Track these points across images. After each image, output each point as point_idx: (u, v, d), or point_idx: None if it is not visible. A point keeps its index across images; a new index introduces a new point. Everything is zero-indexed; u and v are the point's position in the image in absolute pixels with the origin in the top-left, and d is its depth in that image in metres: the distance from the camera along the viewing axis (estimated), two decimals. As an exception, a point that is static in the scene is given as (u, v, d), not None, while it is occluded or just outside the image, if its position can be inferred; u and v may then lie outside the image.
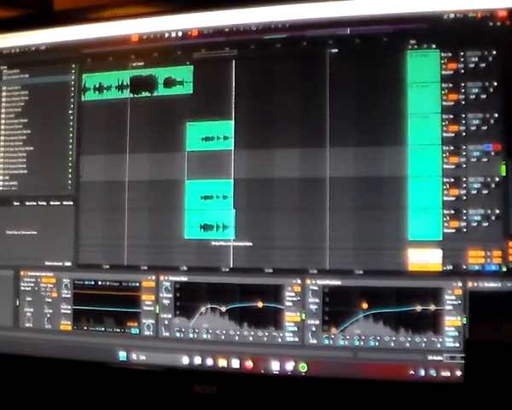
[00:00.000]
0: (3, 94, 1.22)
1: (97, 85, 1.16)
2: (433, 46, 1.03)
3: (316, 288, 1.05)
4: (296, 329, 1.06)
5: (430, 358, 1.02)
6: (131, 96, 1.15)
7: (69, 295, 1.16)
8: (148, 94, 1.14)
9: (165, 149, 1.12)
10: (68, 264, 1.16)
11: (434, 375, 1.02)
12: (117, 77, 1.16)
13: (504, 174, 1.00)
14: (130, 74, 1.15)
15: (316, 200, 1.05)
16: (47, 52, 1.20)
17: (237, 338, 1.08)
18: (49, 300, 1.17)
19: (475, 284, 1.00)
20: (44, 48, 1.20)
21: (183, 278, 1.11)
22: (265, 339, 1.07)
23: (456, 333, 1.00)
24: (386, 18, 1.04)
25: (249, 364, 1.08)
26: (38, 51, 1.20)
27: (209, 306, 1.09)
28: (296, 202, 1.06)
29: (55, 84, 1.19)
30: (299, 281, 1.06)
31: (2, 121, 1.22)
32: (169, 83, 1.13)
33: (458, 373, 1.00)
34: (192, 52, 1.12)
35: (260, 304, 1.07)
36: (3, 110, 1.22)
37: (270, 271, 1.07)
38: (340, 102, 1.05)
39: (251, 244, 1.08)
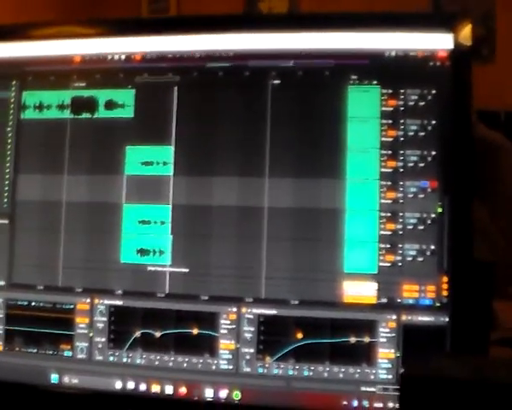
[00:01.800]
0: None
1: (37, 104, 1.14)
2: (374, 82, 1.04)
3: (251, 316, 1.05)
4: (231, 357, 1.05)
5: (363, 389, 1.02)
6: (72, 116, 1.13)
7: (1, 315, 1.13)
8: (88, 115, 1.12)
9: (103, 172, 1.11)
10: (1, 283, 1.14)
11: (367, 406, 1.02)
12: (58, 96, 1.14)
13: (440, 211, 1.01)
14: (71, 94, 1.13)
15: (253, 229, 1.05)
16: (-13, 67, 1.17)
17: (171, 364, 1.07)
18: (-20, 319, 1.15)
19: (409, 318, 1.01)
20: (-16, 63, 1.18)
21: (118, 302, 1.09)
22: (200, 366, 1.06)
23: (390, 365, 1.01)
24: (329, 52, 1.05)
25: (183, 390, 1.07)
26: (-22, 66, 1.18)
27: (144, 331, 1.08)
28: (234, 230, 1.06)
29: (-7, 100, 1.17)
30: (234, 309, 1.05)
31: None
32: (110, 105, 1.12)
33: (391, 405, 1.01)
34: (134, 76, 1.11)
35: (195, 331, 1.06)
36: None
37: (206, 298, 1.06)
38: (281, 134, 1.06)
39: (187, 271, 1.07)
